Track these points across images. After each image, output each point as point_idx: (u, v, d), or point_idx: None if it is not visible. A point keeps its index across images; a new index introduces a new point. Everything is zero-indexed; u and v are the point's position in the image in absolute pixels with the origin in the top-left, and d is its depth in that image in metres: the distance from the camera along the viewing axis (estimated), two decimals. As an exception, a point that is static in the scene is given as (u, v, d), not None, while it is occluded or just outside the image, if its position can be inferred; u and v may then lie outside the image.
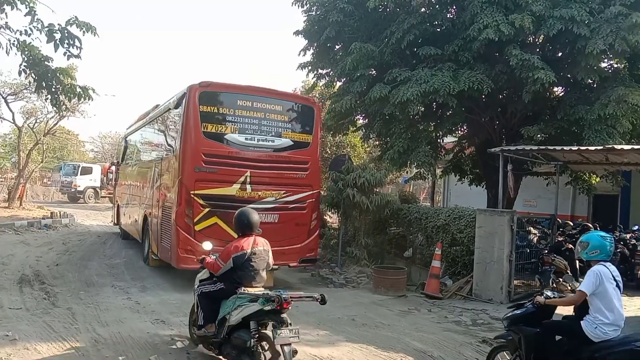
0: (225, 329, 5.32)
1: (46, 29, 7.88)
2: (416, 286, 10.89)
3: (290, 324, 5.01)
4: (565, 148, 9.41)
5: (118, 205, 16.68)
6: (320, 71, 14.32)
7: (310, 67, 14.16)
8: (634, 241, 11.40)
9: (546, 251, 9.96)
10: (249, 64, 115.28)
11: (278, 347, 4.76)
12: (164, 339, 6.40)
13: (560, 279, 9.57)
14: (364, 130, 15.02)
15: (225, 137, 9.48)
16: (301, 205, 10.10)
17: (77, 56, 7.70)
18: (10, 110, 23.83)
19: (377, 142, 16.39)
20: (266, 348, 4.95)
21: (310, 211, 10.26)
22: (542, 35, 11.00)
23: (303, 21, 13.72)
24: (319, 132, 10.86)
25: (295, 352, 4.95)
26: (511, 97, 12.03)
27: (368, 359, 6.03)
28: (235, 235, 5.88)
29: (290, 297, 4.96)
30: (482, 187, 14.15)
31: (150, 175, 12.09)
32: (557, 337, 5.00)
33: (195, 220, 9.03)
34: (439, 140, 14.34)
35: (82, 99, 7.64)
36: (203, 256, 5.95)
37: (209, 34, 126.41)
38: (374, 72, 12.46)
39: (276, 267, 8.71)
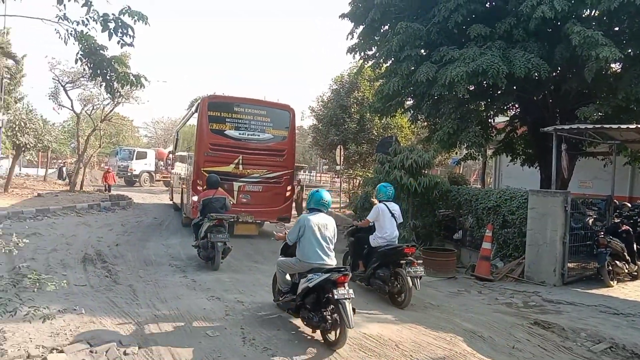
0: (199, 241, 10.04)
1: (101, 18, 8.13)
2: (466, 268, 10.83)
3: (223, 232, 9.69)
4: (622, 126, 9.06)
5: (172, 185, 21.77)
6: (367, 52, 14.21)
7: (357, 49, 14.08)
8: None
9: (602, 233, 9.66)
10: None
11: (215, 244, 9.56)
12: (219, 315, 6.65)
13: (617, 262, 9.30)
14: (412, 112, 14.86)
15: (225, 132, 13.53)
16: (279, 180, 13.93)
17: (130, 44, 7.95)
18: (69, 98, 24.90)
19: (426, 123, 16.19)
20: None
21: (285, 184, 14.06)
22: (599, 9, 10.45)
23: (348, 3, 13.63)
24: (294, 128, 14.79)
25: (228, 249, 9.78)
26: (565, 74, 11.60)
27: (417, 338, 6.08)
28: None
29: (219, 217, 9.85)
30: (535, 167, 13.78)
31: (185, 160, 16.81)
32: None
33: (204, 188, 11.62)
34: (489, 120, 14.04)
35: (135, 87, 7.93)
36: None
37: (254, 20, 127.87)
38: (423, 51, 12.26)
39: (259, 221, 13.65)
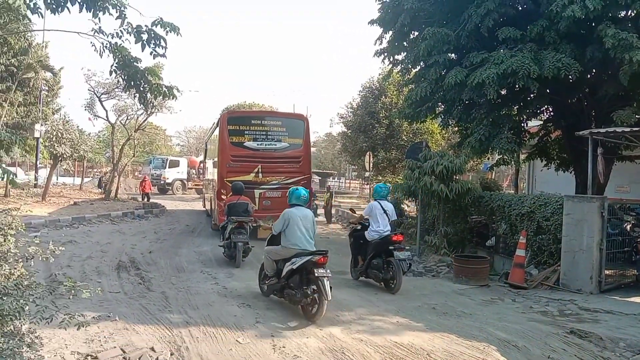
0: (224, 241, 11.14)
1: (134, 30, 8.31)
2: (499, 276, 10.62)
3: (244, 234, 10.77)
4: (662, 129, 8.77)
5: (204, 193, 23.52)
6: (396, 57, 14.16)
7: (386, 54, 14.04)
8: None
9: (641, 239, 9.36)
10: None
11: (236, 244, 10.54)
12: (249, 322, 6.70)
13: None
14: (442, 117, 14.71)
15: (244, 144, 14.56)
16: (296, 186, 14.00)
17: (163, 55, 8.09)
18: (104, 108, 25.56)
19: (457, 128, 16.01)
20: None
21: None
22: (635, 9, 10.17)
23: (377, 10, 13.61)
24: (309, 136, 15.79)
25: (249, 249, 10.92)
26: (601, 76, 11.32)
27: (449, 347, 5.98)
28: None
29: (240, 220, 10.89)
30: (570, 172, 13.47)
31: (212, 170, 17.96)
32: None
33: (228, 195, 12.91)
34: (522, 124, 13.81)
35: (167, 98, 8.11)
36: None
37: (264, 25, 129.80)
38: (453, 55, 12.14)
39: None
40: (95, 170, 45.41)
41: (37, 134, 23.95)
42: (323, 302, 6.70)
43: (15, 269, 3.95)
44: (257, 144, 14.69)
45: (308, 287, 6.88)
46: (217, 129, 15.49)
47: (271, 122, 15.21)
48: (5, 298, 3.47)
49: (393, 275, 8.76)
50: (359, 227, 9.73)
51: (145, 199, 25.20)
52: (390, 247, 8.86)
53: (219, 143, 15.03)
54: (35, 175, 26.50)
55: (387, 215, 9.26)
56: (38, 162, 26.97)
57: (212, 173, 18.79)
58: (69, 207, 19.64)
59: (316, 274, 6.79)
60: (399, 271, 8.67)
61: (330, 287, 6.79)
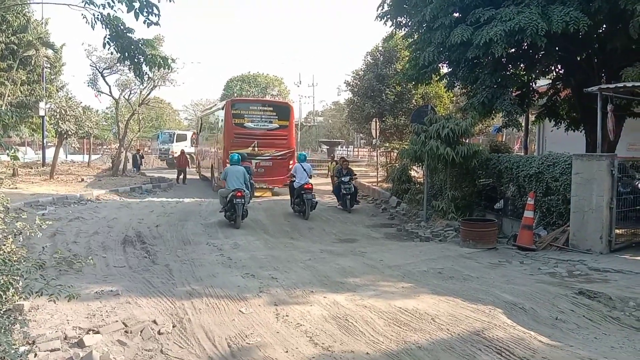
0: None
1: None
2: (507, 238, 10.50)
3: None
4: (674, 82, 8.45)
5: (198, 160, 27.38)
6: (399, 19, 13.79)
7: (388, 16, 13.67)
8: None
9: (653, 197, 9.15)
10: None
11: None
12: (253, 292, 6.62)
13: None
14: (447, 78, 14.37)
15: (244, 124, 18.35)
16: (283, 157, 18.67)
17: (156, 23, 7.90)
18: (107, 84, 25.41)
19: (464, 90, 15.67)
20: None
21: (288, 159, 18.58)
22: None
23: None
24: (293, 118, 20.18)
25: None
26: (610, 31, 10.90)
27: (454, 311, 5.88)
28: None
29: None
30: (581, 132, 13.16)
31: (214, 142, 21.65)
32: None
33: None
34: (530, 84, 13.45)
35: (163, 69, 7.91)
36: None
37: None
38: (457, 14, 11.76)
39: (272, 187, 18.56)
40: (104, 147, 45.47)
41: (41, 112, 23.91)
42: (238, 218, 11.62)
43: (4, 245, 3.87)
44: (254, 125, 18.47)
45: (233, 209, 11.63)
46: (222, 112, 19.17)
47: (264, 108, 19.22)
48: (-9, 274, 3.39)
49: (305, 209, 13.25)
50: (294, 180, 13.98)
51: (181, 178, 23.41)
52: (302, 192, 13.30)
53: (225, 124, 18.45)
54: (42, 154, 26.56)
55: (305, 172, 13.78)
56: (45, 141, 26.99)
57: (211, 146, 22.38)
58: (76, 184, 19.66)
59: (234, 201, 11.60)
60: (308, 206, 13.22)
61: (247, 210, 12.04)
